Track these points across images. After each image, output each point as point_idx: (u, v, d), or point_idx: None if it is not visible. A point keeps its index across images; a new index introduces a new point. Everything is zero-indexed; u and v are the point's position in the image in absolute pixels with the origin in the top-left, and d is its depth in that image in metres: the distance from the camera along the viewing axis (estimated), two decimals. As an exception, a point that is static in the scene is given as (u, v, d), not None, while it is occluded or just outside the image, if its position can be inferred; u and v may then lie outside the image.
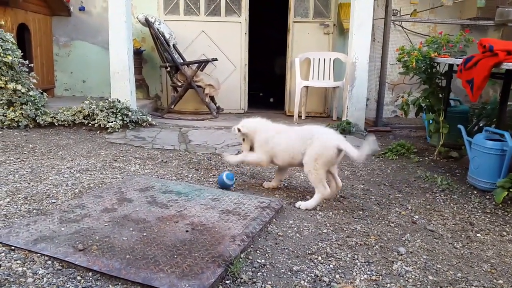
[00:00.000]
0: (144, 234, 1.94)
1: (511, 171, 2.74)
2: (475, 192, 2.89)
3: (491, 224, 2.37)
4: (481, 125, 3.89)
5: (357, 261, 1.88)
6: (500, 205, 2.62)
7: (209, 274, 1.62)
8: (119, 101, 4.43)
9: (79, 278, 1.62)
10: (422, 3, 5.64)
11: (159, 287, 1.54)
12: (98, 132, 4.19)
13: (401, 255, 1.96)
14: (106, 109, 4.31)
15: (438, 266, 1.87)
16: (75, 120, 4.30)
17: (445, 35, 3.81)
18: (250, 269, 1.76)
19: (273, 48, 7.81)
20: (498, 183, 2.69)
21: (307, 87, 5.38)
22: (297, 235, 2.13)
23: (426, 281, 1.74)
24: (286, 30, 5.75)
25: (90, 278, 1.63)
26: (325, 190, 2.46)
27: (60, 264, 1.70)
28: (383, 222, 2.33)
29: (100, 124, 4.20)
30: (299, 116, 5.29)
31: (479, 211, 2.55)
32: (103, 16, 5.61)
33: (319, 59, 5.47)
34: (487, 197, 2.78)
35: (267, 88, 7.73)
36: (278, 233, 2.13)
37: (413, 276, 1.77)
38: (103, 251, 1.76)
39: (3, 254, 1.76)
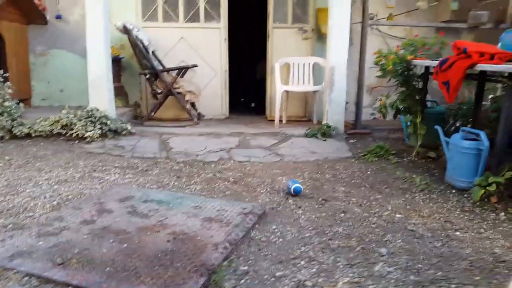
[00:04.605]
0: (125, 245, 1.91)
1: (487, 169, 2.80)
2: (453, 191, 2.94)
3: (470, 222, 2.42)
4: (457, 125, 3.98)
5: (339, 263, 1.90)
6: (478, 203, 2.67)
7: (192, 284, 1.61)
8: (98, 110, 4.37)
9: (58, 293, 1.59)
10: (398, 7, 5.74)
11: (140, 299, 1.52)
12: (77, 142, 4.12)
13: (383, 256, 1.98)
14: (84, 118, 4.25)
15: (419, 265, 1.90)
16: (52, 130, 4.21)
17: (421, 38, 3.88)
18: (233, 277, 1.75)
19: (253, 53, 7.84)
20: (475, 182, 2.75)
21: (287, 91, 5.41)
22: (280, 240, 2.13)
23: (408, 281, 1.76)
24: (266, 35, 5.78)
25: (70, 293, 1.60)
26: None
27: (38, 280, 1.66)
28: (365, 224, 2.35)
29: (78, 133, 4.13)
30: (280, 121, 5.31)
31: (458, 210, 2.60)
32: (80, 24, 5.52)
33: (298, 63, 5.50)
34: (465, 195, 2.84)
35: (248, 93, 7.74)
36: (261, 239, 2.13)
37: (395, 277, 1.79)
38: (83, 265, 1.73)
39: (-23, 272, 1.71)
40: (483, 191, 2.65)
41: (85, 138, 4.12)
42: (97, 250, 1.85)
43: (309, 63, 5.49)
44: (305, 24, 5.71)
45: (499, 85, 3.95)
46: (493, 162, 2.78)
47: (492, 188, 2.62)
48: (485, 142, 2.84)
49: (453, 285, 1.74)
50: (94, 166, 3.36)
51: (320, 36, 5.66)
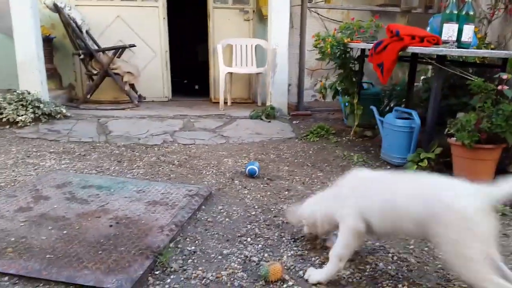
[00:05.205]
0: (65, 232, 1.84)
1: (419, 146, 3.00)
2: (388, 167, 3.12)
3: (403, 195, 2.58)
4: (391, 105, 4.20)
5: (284, 239, 1.96)
6: (410, 178, 2.86)
7: (137, 267, 1.59)
8: (29, 93, 4.10)
9: (-8, 284, 1.51)
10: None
11: (84, 284, 1.48)
12: (8, 127, 3.84)
13: (324, 229, 2.07)
14: (15, 102, 3.97)
15: (357, 237, 2.00)
16: (-21, 115, 3.91)
17: (357, 21, 4.01)
18: (180, 258, 1.76)
19: (195, 33, 7.68)
20: (408, 158, 2.94)
21: (231, 73, 5.39)
22: (227, 219, 2.16)
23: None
24: (207, 15, 5.68)
25: (7, 283, 1.52)
26: None
27: (-31, 272, 1.56)
28: (307, 201, 2.44)
29: (9, 118, 3.85)
30: (225, 103, 5.30)
31: (392, 185, 2.77)
32: (4, 1, 5.09)
33: (241, 45, 5.48)
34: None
35: (191, 74, 7.61)
36: (208, 219, 2.14)
37: (335, 249, 1.88)
38: (20, 253, 1.65)
39: None
40: (415, 166, 2.84)
41: (17, 122, 3.85)
42: (35, 238, 1.77)
43: (252, 45, 5.49)
44: (246, 5, 5.68)
45: (430, 67, 4.21)
46: (424, 139, 2.98)
47: (424, 163, 2.82)
48: (417, 121, 3.03)
49: (390, 254, 1.86)
50: (28, 152, 3.16)
51: (261, 17, 5.66)
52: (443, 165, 2.92)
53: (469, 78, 2.85)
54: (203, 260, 1.75)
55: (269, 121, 4.54)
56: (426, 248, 1.93)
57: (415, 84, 3.86)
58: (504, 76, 2.62)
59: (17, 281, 1.53)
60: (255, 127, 4.28)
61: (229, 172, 2.90)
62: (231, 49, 5.51)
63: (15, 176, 2.63)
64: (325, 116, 5.00)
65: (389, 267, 1.75)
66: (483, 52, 2.97)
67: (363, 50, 3.86)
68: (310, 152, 3.49)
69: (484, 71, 3.47)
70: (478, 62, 3.55)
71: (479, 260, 1.30)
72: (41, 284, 1.51)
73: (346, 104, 4.06)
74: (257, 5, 5.63)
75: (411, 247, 1.94)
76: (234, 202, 2.39)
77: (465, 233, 1.30)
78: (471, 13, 2.85)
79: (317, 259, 1.78)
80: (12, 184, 2.49)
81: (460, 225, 1.31)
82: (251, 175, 2.80)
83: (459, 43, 2.86)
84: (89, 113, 4.56)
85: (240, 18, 5.69)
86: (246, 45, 5.49)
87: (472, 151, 2.55)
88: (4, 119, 3.86)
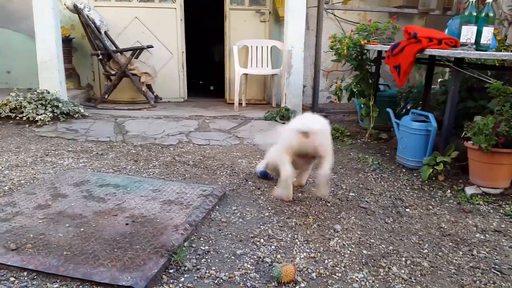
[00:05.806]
0: (81, 229, 1.88)
1: (435, 149, 2.97)
2: (404, 170, 3.10)
3: (418, 199, 2.56)
4: (408, 107, 4.16)
5: (297, 240, 1.97)
6: (426, 182, 2.83)
7: (152, 265, 1.61)
8: (48, 92, 4.19)
9: (12, 279, 1.55)
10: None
11: (100, 281, 1.51)
12: (27, 125, 3.94)
13: (337, 232, 2.07)
14: (35, 101, 4.06)
15: (371, 240, 2.00)
16: (0, 113, 4.00)
17: (374, 22, 3.98)
18: (194, 257, 1.78)
19: (211, 35, 7.74)
20: (424, 161, 2.91)
21: (246, 74, 5.41)
22: (240, 220, 2.17)
23: (361, 255, 1.85)
24: (223, 17, 5.72)
25: (25, 278, 1.56)
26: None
27: (-10, 267, 1.61)
28: (320, 203, 2.44)
29: (28, 117, 3.95)
30: (240, 104, 5.32)
31: (408, 188, 2.75)
32: (26, 2, 5.22)
33: (256, 46, 5.51)
34: (415, 174, 2.99)
35: (207, 75, 7.66)
36: (222, 220, 2.16)
37: (348, 251, 1.88)
38: (39, 249, 1.69)
39: None
40: (431, 170, 2.81)
41: (36, 121, 3.95)
42: (53, 235, 1.81)
43: (268, 46, 5.51)
44: (262, 6, 5.70)
45: (447, 69, 4.16)
46: (441, 142, 2.94)
47: (440, 167, 2.79)
48: (433, 124, 3.00)
49: (403, 258, 1.85)
50: (47, 150, 3.23)
51: (277, 19, 5.67)
52: (459, 169, 2.89)
53: (488, 81, 2.81)
54: (217, 260, 1.77)
55: (284, 123, 4.53)
56: (440, 253, 1.91)
57: (432, 86, 3.81)
58: (524, 79, 2.58)
59: (35, 277, 1.57)
60: (269, 129, 4.29)
61: (243, 173, 2.92)
62: (247, 50, 5.53)
63: (34, 174, 2.69)
64: (340, 118, 4.98)
65: (402, 271, 1.75)
66: (502, 55, 2.91)
67: (379, 52, 3.84)
68: (325, 154, 3.48)
69: (503, 74, 3.42)
70: (497, 64, 3.49)
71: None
72: (58, 280, 1.55)
73: (362, 106, 4.04)
74: (274, 6, 5.65)
75: (425, 251, 1.93)
76: (248, 203, 2.40)
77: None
78: (491, 14, 2.81)
79: (330, 261, 1.78)
80: (31, 181, 2.56)
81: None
82: (263, 176, 2.81)
83: (478, 46, 2.82)
84: (106, 113, 4.64)
85: (256, 20, 5.71)
86: (262, 47, 5.50)
87: (489, 155, 2.51)
88: (24, 118, 3.96)
